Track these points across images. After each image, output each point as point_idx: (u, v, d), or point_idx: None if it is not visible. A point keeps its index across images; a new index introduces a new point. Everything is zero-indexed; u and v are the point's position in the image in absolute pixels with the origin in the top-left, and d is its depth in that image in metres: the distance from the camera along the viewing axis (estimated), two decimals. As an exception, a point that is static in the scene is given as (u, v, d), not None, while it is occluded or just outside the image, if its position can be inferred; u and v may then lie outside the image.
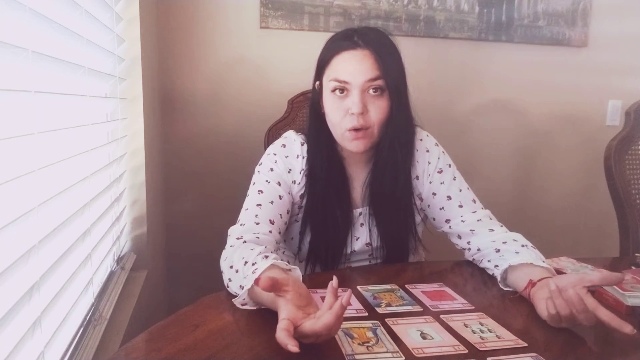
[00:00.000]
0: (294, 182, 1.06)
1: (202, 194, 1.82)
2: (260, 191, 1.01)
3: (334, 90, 0.99)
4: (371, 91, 0.98)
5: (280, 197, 1.02)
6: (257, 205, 0.98)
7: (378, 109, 0.98)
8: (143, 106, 1.30)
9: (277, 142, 1.11)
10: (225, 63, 1.76)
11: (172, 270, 1.82)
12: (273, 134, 1.44)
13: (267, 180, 1.03)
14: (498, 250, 0.97)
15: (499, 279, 0.93)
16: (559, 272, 0.99)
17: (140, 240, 1.34)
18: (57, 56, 0.76)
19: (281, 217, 1.00)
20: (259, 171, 1.06)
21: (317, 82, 1.06)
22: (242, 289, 0.78)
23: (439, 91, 1.97)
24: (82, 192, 0.88)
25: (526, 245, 0.96)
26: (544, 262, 0.90)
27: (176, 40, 1.72)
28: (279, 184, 1.03)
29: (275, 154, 1.07)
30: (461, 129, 2.02)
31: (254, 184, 1.04)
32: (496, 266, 0.95)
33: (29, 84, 0.65)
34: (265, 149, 1.44)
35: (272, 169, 1.05)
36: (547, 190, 2.17)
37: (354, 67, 0.97)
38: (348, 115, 0.98)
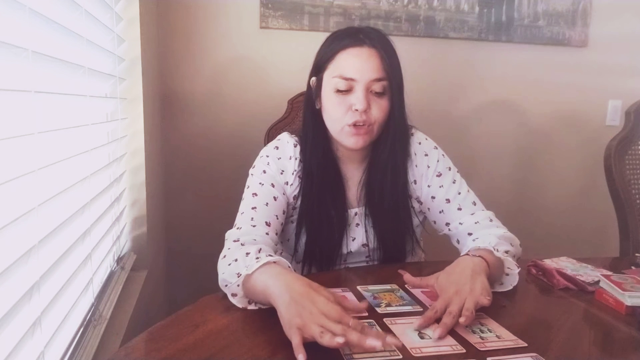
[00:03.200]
0: (287, 183, 1.06)
1: (202, 194, 1.82)
2: (255, 194, 1.01)
3: (337, 87, 0.98)
4: (375, 91, 0.98)
5: (275, 199, 1.02)
6: (252, 208, 0.98)
7: (380, 108, 0.99)
8: (143, 106, 1.30)
9: (270, 144, 1.11)
10: (225, 63, 1.76)
11: (172, 270, 1.82)
12: (273, 134, 1.44)
13: (260, 183, 1.03)
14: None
15: None
16: (559, 272, 0.99)
17: (140, 240, 1.34)
18: (57, 56, 0.76)
19: (277, 219, 1.00)
20: (252, 174, 1.06)
21: (314, 79, 1.06)
22: (239, 277, 0.79)
23: (439, 91, 1.97)
24: (82, 192, 0.88)
25: (487, 238, 0.96)
26: (493, 247, 0.91)
27: (176, 40, 1.72)
28: (273, 185, 1.03)
29: (267, 156, 1.07)
30: (461, 129, 2.02)
31: (248, 187, 1.04)
32: None
33: (29, 84, 0.65)
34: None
35: (264, 171, 1.05)
36: (547, 190, 2.17)
37: (361, 65, 0.97)
38: (351, 111, 0.98)
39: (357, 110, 0.97)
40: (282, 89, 1.67)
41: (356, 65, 0.97)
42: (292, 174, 1.06)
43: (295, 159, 1.07)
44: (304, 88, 1.44)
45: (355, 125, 0.98)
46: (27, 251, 0.61)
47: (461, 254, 0.96)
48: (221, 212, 1.80)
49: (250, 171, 1.07)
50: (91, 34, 0.97)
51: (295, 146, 1.08)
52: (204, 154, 1.80)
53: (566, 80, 2.08)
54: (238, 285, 0.79)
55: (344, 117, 0.99)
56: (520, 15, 1.97)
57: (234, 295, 0.81)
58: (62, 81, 0.85)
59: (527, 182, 2.15)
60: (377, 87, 0.98)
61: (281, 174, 1.06)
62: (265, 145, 1.41)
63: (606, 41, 2.07)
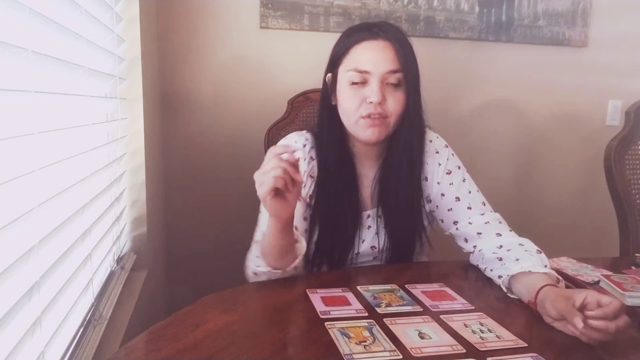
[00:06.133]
0: None
1: (202, 194, 1.82)
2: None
3: (352, 80, 0.98)
4: (390, 83, 0.98)
5: None
6: None
7: (396, 101, 0.98)
8: (143, 106, 1.30)
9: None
10: (225, 63, 1.76)
11: (172, 270, 1.82)
12: (273, 134, 1.44)
13: None
14: (501, 259, 0.93)
15: (504, 289, 0.90)
16: (559, 272, 0.99)
17: (140, 240, 1.34)
18: (57, 56, 0.76)
19: (305, 220, 1.03)
20: None
21: (329, 75, 1.05)
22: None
23: (438, 91, 1.97)
24: (82, 192, 0.88)
25: (529, 251, 0.92)
26: (546, 266, 0.88)
27: (176, 40, 1.71)
28: None
29: None
30: (461, 129, 2.02)
31: None
32: (499, 276, 0.91)
33: (29, 84, 0.65)
34: (265, 149, 1.44)
35: None
36: (547, 190, 2.17)
37: (375, 57, 0.97)
38: (365, 103, 0.97)
39: (371, 102, 0.96)
40: (283, 88, 1.66)
41: (370, 57, 0.97)
42: (304, 175, 1.05)
43: (304, 159, 1.06)
44: (304, 88, 1.44)
45: (370, 116, 0.97)
46: (27, 251, 0.61)
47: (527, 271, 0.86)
48: (221, 211, 1.81)
49: None
50: (91, 34, 0.97)
51: (304, 146, 1.08)
52: (204, 153, 1.80)
53: (566, 80, 2.08)
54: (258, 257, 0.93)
55: (358, 109, 0.98)
56: (520, 15, 1.97)
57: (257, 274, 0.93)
58: (62, 81, 0.85)
59: (527, 182, 2.15)
60: (392, 79, 0.97)
61: None
62: (265, 145, 1.42)
63: (606, 41, 2.07)
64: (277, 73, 1.79)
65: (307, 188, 1.05)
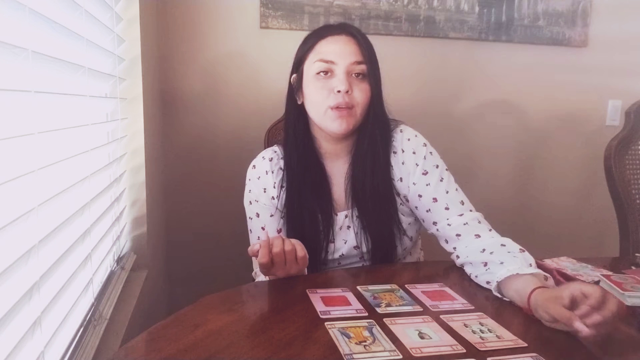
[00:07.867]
0: (273, 197, 1.08)
1: (202, 194, 1.82)
2: (263, 227, 1.08)
3: (318, 72, 1.00)
4: (354, 75, 1.01)
5: (271, 215, 1.08)
6: (258, 238, 1.05)
7: (361, 91, 1.01)
8: (143, 106, 1.30)
9: (251, 164, 1.14)
10: (226, 63, 1.76)
11: (172, 270, 1.82)
12: (273, 133, 1.44)
13: (257, 214, 1.09)
14: (485, 264, 0.92)
15: (499, 295, 0.88)
16: (559, 272, 0.99)
17: (140, 240, 1.34)
18: (57, 56, 0.76)
19: (279, 232, 1.06)
20: (245, 206, 1.12)
21: (294, 75, 1.07)
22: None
23: (438, 91, 1.97)
24: (82, 192, 0.88)
25: (512, 252, 0.91)
26: (531, 265, 0.87)
27: (176, 40, 1.71)
28: (264, 204, 1.08)
29: (249, 180, 1.12)
30: (461, 129, 2.02)
31: (251, 219, 1.11)
32: (488, 282, 0.90)
33: (29, 84, 0.65)
34: (265, 149, 1.44)
35: (250, 202, 1.10)
36: (547, 190, 2.17)
37: (340, 49, 1.00)
38: (333, 94, 0.99)
39: (339, 92, 0.98)
40: (282, 88, 1.65)
41: (335, 49, 1.00)
42: (274, 187, 1.08)
43: (272, 172, 1.09)
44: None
45: (337, 107, 0.99)
46: (27, 251, 0.61)
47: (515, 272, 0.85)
48: (221, 211, 1.81)
49: (244, 201, 1.12)
50: (91, 34, 0.97)
51: (270, 160, 1.10)
52: (204, 154, 1.80)
53: (566, 80, 2.08)
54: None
55: (326, 100, 1.00)
56: (520, 15, 1.97)
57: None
58: (62, 81, 0.85)
59: (527, 182, 2.15)
60: (357, 70, 1.00)
61: (264, 192, 1.09)
62: (265, 145, 1.43)
63: (606, 41, 2.07)
64: (277, 73, 1.78)
65: (281, 198, 1.07)
